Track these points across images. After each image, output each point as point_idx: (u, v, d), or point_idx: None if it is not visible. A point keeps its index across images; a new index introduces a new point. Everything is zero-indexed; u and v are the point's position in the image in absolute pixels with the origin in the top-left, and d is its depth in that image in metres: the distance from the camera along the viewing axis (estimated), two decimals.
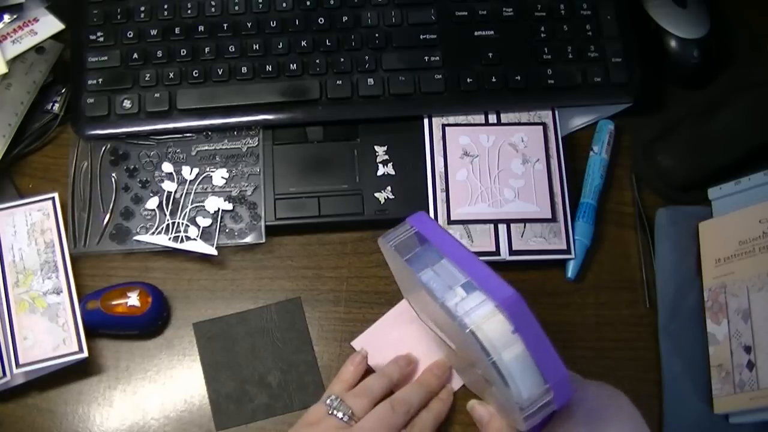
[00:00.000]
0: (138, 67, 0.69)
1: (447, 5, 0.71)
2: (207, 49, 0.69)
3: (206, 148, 0.68)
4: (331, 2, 0.71)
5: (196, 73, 0.68)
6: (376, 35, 0.69)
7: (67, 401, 0.62)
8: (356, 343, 0.63)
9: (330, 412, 0.54)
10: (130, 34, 0.69)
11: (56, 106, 0.71)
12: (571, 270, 0.65)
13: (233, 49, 0.69)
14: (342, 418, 0.54)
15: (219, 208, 0.65)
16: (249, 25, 0.70)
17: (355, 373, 0.58)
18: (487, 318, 0.47)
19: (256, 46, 0.69)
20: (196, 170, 0.67)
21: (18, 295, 0.62)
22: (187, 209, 0.66)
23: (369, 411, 0.55)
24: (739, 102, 0.70)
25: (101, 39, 0.69)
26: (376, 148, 0.68)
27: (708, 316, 0.63)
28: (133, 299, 0.62)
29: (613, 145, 0.70)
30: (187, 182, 0.67)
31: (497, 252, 0.64)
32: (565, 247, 0.64)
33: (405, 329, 0.63)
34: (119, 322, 0.62)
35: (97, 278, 0.65)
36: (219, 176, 0.67)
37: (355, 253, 0.67)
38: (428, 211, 0.65)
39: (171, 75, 0.68)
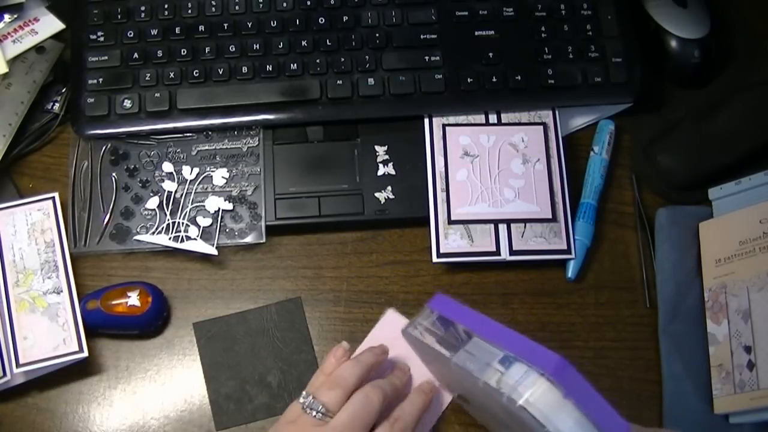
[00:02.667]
0: (138, 67, 0.69)
1: (447, 5, 0.71)
2: (207, 49, 0.69)
3: (206, 147, 0.68)
4: (331, 2, 0.71)
5: (196, 72, 0.68)
6: (377, 35, 0.69)
7: (67, 401, 0.62)
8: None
9: (305, 410, 0.54)
10: (130, 33, 0.69)
11: (56, 106, 0.71)
12: (571, 270, 0.65)
13: (233, 49, 0.69)
14: (315, 416, 0.53)
15: (219, 208, 0.65)
16: (249, 24, 0.70)
17: (338, 366, 0.57)
18: (534, 389, 0.45)
19: (256, 46, 0.69)
20: (196, 170, 0.67)
21: (18, 295, 0.62)
22: (188, 209, 0.66)
23: (343, 402, 0.54)
24: (739, 102, 0.70)
25: (101, 39, 0.69)
26: (377, 147, 0.68)
27: (708, 316, 0.63)
28: (133, 299, 0.62)
29: (613, 145, 0.70)
30: (188, 182, 0.67)
31: (497, 252, 0.64)
32: (565, 247, 0.64)
33: (396, 341, 0.61)
34: (119, 322, 0.62)
35: (97, 278, 0.65)
36: (219, 176, 0.67)
37: (355, 253, 0.67)
38: (428, 211, 0.65)
39: (171, 75, 0.68)
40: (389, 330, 0.63)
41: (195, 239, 0.65)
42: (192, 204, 0.66)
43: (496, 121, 0.68)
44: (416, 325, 0.53)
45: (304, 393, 0.55)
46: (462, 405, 0.60)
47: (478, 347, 0.49)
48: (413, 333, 0.52)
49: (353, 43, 0.69)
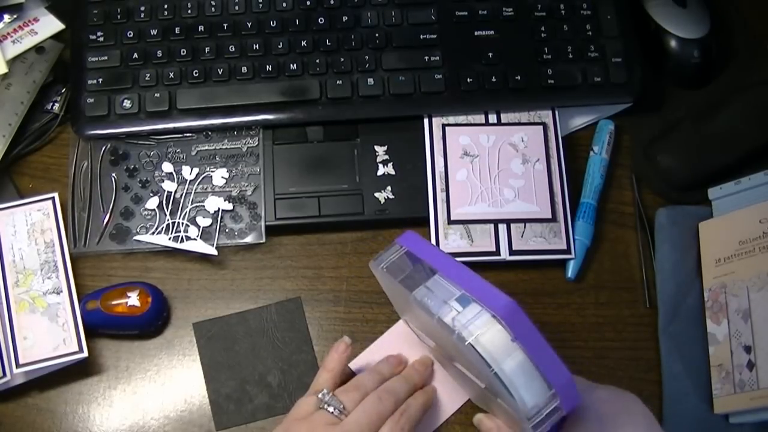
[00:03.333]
0: (138, 67, 0.69)
1: (447, 5, 0.71)
2: (207, 49, 0.69)
3: (206, 148, 0.68)
4: (331, 2, 0.71)
5: (196, 73, 0.68)
6: (376, 35, 0.69)
7: (67, 401, 0.62)
8: (354, 364, 0.62)
9: (321, 406, 0.54)
10: (130, 34, 0.69)
11: (56, 106, 0.71)
12: (571, 270, 0.65)
13: (233, 49, 0.69)
14: (333, 412, 0.54)
15: (219, 208, 0.65)
16: (249, 24, 0.70)
17: (340, 361, 0.58)
18: (484, 329, 0.46)
19: (256, 46, 0.69)
20: (196, 170, 0.67)
21: (18, 295, 0.62)
22: (187, 209, 0.66)
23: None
24: (739, 102, 0.70)
25: (101, 39, 0.69)
26: (376, 148, 0.68)
27: (708, 316, 0.63)
28: (133, 299, 0.62)
29: (613, 145, 0.70)
30: (187, 182, 0.67)
31: (497, 252, 0.64)
32: (565, 247, 0.64)
33: (403, 349, 0.62)
34: (119, 322, 0.62)
35: (97, 278, 0.65)
36: (219, 176, 0.67)
37: (355, 253, 0.67)
38: (428, 211, 0.65)
39: (171, 75, 0.68)
40: (399, 339, 0.63)
41: (195, 239, 0.65)
42: (192, 204, 0.66)
43: (495, 121, 0.68)
44: (384, 259, 0.53)
45: (319, 389, 0.55)
46: (426, 344, 0.61)
47: (438, 284, 0.50)
48: (380, 267, 0.53)
49: (353, 43, 0.69)
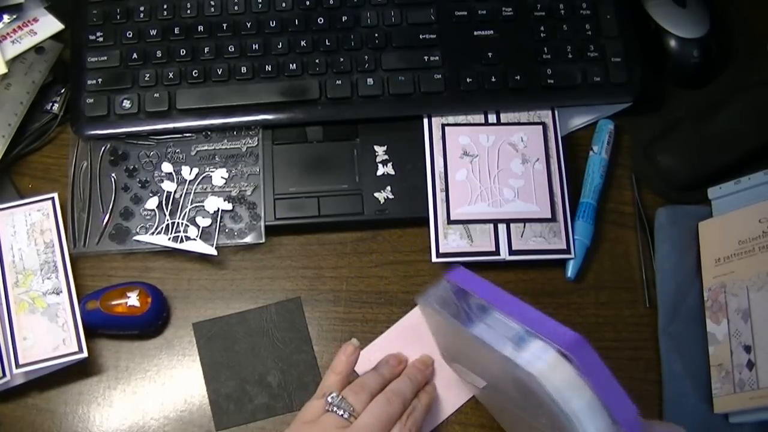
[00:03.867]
0: (138, 67, 0.69)
1: (447, 5, 0.71)
2: (207, 49, 0.69)
3: (206, 148, 0.68)
4: (331, 2, 0.71)
5: (195, 73, 0.68)
6: (376, 35, 0.69)
7: (67, 401, 0.62)
8: (361, 361, 0.62)
9: (330, 409, 0.54)
10: (129, 34, 0.69)
11: (56, 106, 0.71)
12: (570, 270, 0.65)
13: (233, 49, 0.69)
14: (343, 415, 0.54)
15: (219, 208, 0.65)
16: (249, 25, 0.70)
17: (348, 364, 0.58)
18: (551, 365, 0.46)
19: (255, 46, 0.69)
20: (195, 170, 0.67)
21: (18, 295, 0.62)
22: (187, 209, 0.66)
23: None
24: (739, 102, 0.70)
25: (101, 39, 0.69)
26: (376, 148, 0.68)
27: (708, 315, 0.63)
28: (133, 299, 0.62)
29: (613, 145, 0.70)
30: (187, 182, 0.67)
31: (497, 252, 0.64)
32: (564, 246, 0.64)
33: (413, 343, 0.62)
34: (119, 322, 0.62)
35: (97, 278, 0.65)
36: (219, 176, 0.67)
37: (355, 253, 0.67)
38: (428, 211, 0.65)
39: (171, 75, 0.68)
40: (400, 337, 0.64)
41: (194, 239, 0.65)
42: (191, 204, 0.66)
43: (495, 121, 0.68)
44: (433, 296, 0.53)
45: (327, 391, 0.56)
46: (462, 377, 0.61)
47: (497, 321, 0.49)
48: (429, 304, 0.52)
49: (353, 43, 0.69)
